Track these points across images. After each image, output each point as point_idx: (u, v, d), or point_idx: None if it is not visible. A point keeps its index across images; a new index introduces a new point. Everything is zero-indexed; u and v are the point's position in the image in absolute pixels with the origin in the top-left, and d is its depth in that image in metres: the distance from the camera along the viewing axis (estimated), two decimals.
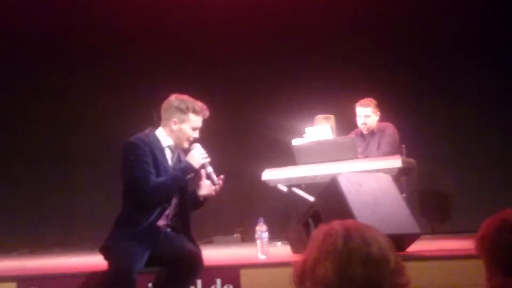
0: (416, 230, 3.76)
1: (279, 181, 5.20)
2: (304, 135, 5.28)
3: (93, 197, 7.06)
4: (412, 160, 5.14)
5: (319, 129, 5.33)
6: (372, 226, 1.53)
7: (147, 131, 3.36)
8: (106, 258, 3.17)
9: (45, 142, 7.34)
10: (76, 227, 7.09)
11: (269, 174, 5.21)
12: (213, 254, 4.64)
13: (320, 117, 5.69)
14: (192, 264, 3.09)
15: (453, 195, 6.93)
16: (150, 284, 3.27)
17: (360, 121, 5.48)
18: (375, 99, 5.55)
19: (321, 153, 5.00)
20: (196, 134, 3.32)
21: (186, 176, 3.24)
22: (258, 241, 3.91)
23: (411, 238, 3.75)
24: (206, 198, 3.37)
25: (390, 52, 7.01)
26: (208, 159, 3.30)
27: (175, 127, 3.28)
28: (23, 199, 7.10)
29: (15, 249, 6.61)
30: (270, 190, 5.38)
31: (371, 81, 6.59)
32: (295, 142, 5.18)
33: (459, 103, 6.90)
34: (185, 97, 3.33)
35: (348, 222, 1.50)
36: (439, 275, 3.34)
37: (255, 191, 6.50)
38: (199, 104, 3.31)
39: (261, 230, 3.89)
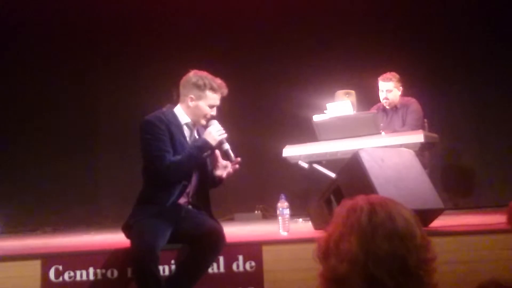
0: (439, 205, 3.71)
1: (300, 157, 5.16)
2: (325, 111, 5.23)
3: (117, 175, 7.11)
4: (434, 135, 5.07)
5: (340, 105, 5.28)
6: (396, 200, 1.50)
7: (165, 108, 3.34)
8: (128, 236, 3.18)
9: (70, 123, 7.41)
10: (99, 205, 7.16)
11: (290, 151, 5.18)
12: (234, 231, 4.65)
13: (340, 93, 5.64)
14: (214, 241, 3.09)
15: (476, 170, 6.86)
16: (173, 261, 3.28)
17: (382, 95, 5.42)
18: (397, 72, 5.48)
19: (342, 128, 4.95)
20: (213, 112, 3.29)
21: (203, 154, 3.22)
22: (279, 218, 3.90)
23: (434, 213, 3.70)
24: (222, 178, 3.34)
25: (411, 26, 6.90)
26: (225, 135, 3.27)
27: (191, 104, 3.26)
28: (46, 178, 7.18)
29: (39, 227, 6.71)
30: (291, 166, 5.36)
31: (392, 56, 6.51)
32: (316, 118, 5.13)
33: (482, 76, 6.79)
34: (203, 73, 3.30)
35: (373, 196, 1.48)
36: (463, 250, 3.31)
37: (276, 168, 6.48)
38: (217, 82, 3.27)
39: (283, 207, 3.88)
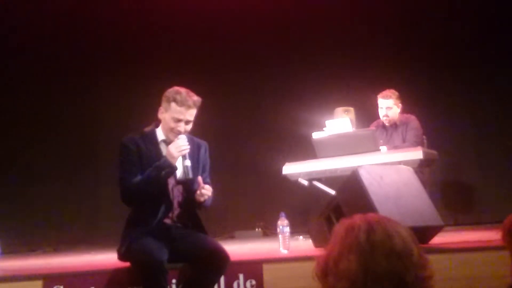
0: (439, 222, 3.72)
1: (299, 175, 5.18)
2: (324, 128, 5.26)
3: (117, 194, 7.09)
4: (434, 152, 5.10)
5: (339, 122, 5.31)
6: (394, 219, 1.53)
7: (151, 126, 3.35)
8: (126, 258, 3.16)
9: (70, 141, 7.41)
10: (100, 225, 7.15)
11: (290, 168, 5.20)
12: (235, 249, 4.65)
13: (339, 110, 5.67)
14: (218, 260, 3.04)
15: (476, 186, 6.86)
16: (174, 280, 3.27)
17: (382, 112, 5.45)
18: (395, 88, 5.52)
19: (341, 146, 4.97)
20: (180, 127, 3.17)
21: (161, 172, 3.11)
22: (280, 236, 3.90)
23: (434, 230, 3.72)
24: (201, 203, 3.21)
25: (410, 43, 6.96)
26: (186, 151, 3.14)
27: (161, 116, 3.25)
28: (47, 197, 7.18)
29: (40, 247, 6.70)
30: (291, 184, 5.37)
31: (391, 73, 6.56)
32: (315, 135, 5.16)
33: (481, 92, 6.83)
34: (178, 88, 3.23)
35: (370, 215, 1.50)
36: (462, 267, 3.31)
37: (276, 185, 6.49)
38: (183, 95, 3.17)
39: (283, 225, 3.89)
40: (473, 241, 4.03)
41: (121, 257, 3.23)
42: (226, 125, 7.33)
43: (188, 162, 3.15)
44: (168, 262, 3.06)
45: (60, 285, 3.22)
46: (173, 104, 3.16)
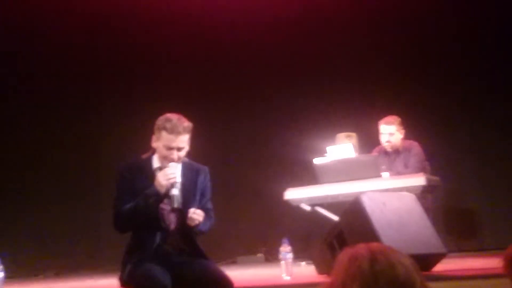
0: (442, 249, 3.72)
1: (301, 200, 5.19)
2: (326, 154, 5.28)
3: None
4: (436, 178, 5.10)
5: (341, 148, 5.32)
6: (396, 247, 1.54)
7: (149, 153, 3.35)
8: (130, 285, 3.11)
9: (71, 164, 7.44)
10: (101, 250, 7.14)
11: (292, 194, 5.21)
12: (237, 274, 4.63)
13: (342, 135, 5.69)
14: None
15: (479, 212, 6.84)
16: None
17: (384, 139, 5.46)
18: (397, 116, 5.55)
19: (343, 171, 4.99)
20: (173, 155, 3.14)
21: (149, 201, 3.08)
22: (282, 262, 3.91)
23: (437, 257, 3.71)
24: (192, 227, 3.14)
25: (411, 69, 7.01)
26: (174, 180, 3.10)
27: (154, 145, 3.24)
28: (48, 222, 7.19)
29: (42, 271, 6.68)
30: (293, 209, 5.38)
31: (393, 99, 6.60)
32: (317, 161, 5.17)
33: (483, 117, 6.85)
34: (169, 115, 3.20)
35: (373, 245, 1.51)
36: None
37: (278, 211, 6.49)
38: (173, 122, 3.13)
39: (285, 251, 3.89)
40: (476, 268, 4.01)
41: (124, 283, 3.22)
42: (229, 150, 7.35)
43: (175, 191, 3.11)
44: None
45: None
46: (163, 133, 3.13)
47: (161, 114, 3.25)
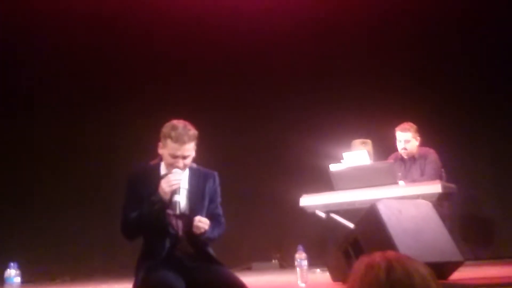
0: (458, 257, 3.69)
1: (317, 207, 5.18)
2: (341, 160, 5.26)
3: None
4: (452, 185, 5.06)
5: (356, 154, 5.31)
6: (413, 255, 1.53)
7: (157, 159, 3.36)
8: None
9: (87, 171, 7.50)
10: (117, 254, 7.17)
11: (307, 200, 5.20)
12: (252, 281, 4.62)
13: (357, 142, 5.68)
14: None
15: (496, 220, 6.77)
16: None
17: (400, 146, 5.45)
18: (414, 122, 5.52)
19: (359, 178, 4.97)
20: (178, 163, 3.14)
21: (153, 208, 3.08)
22: (297, 269, 3.90)
23: (453, 266, 3.68)
24: (198, 235, 3.13)
25: (428, 76, 6.98)
26: (177, 186, 3.09)
27: (160, 152, 3.23)
28: (64, 228, 7.24)
29: (58, 276, 6.73)
30: (308, 215, 5.36)
31: (409, 105, 6.56)
32: (333, 167, 5.16)
33: (501, 125, 6.80)
34: (175, 122, 3.20)
35: (389, 253, 1.50)
36: None
37: (292, 217, 6.48)
38: (178, 131, 3.13)
39: (301, 258, 3.88)
40: (493, 276, 3.97)
41: None
42: (244, 156, 7.37)
43: (178, 197, 3.10)
44: None
45: None
46: (168, 141, 3.13)
47: (178, 119, 3.25)
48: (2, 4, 7.62)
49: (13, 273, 3.47)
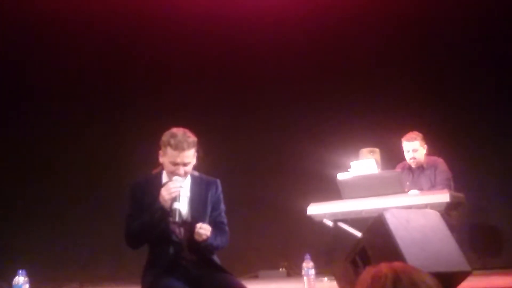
0: (466, 268, 3.67)
1: (324, 215, 5.18)
2: (349, 169, 5.27)
3: None
4: (461, 195, 5.06)
5: (364, 163, 5.31)
6: (420, 265, 1.54)
7: (159, 168, 3.37)
8: None
9: (95, 179, 7.53)
10: (124, 261, 7.18)
11: (315, 209, 5.20)
12: None
13: (365, 151, 5.68)
14: None
15: (505, 229, 6.74)
16: None
17: (408, 156, 5.45)
18: (421, 131, 5.52)
19: (367, 187, 4.97)
20: (179, 171, 3.15)
21: (154, 216, 3.10)
22: (305, 278, 3.90)
23: (461, 276, 3.66)
24: (200, 242, 3.14)
25: (434, 84, 6.98)
26: (176, 194, 3.09)
27: (161, 160, 3.25)
28: (72, 235, 7.27)
29: (66, 283, 6.75)
30: (315, 224, 5.36)
31: (416, 114, 6.57)
32: (340, 176, 5.17)
33: (507, 132, 6.77)
34: (174, 130, 3.21)
35: (396, 264, 1.51)
36: None
37: (300, 225, 6.47)
38: (178, 138, 3.15)
39: (308, 267, 3.89)
40: (501, 286, 3.95)
41: None
42: (251, 164, 7.38)
43: (177, 205, 3.09)
44: None
45: None
46: (168, 149, 3.15)
47: (184, 127, 3.27)
48: (7, 5, 7.70)
49: (21, 280, 3.49)
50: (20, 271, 3.52)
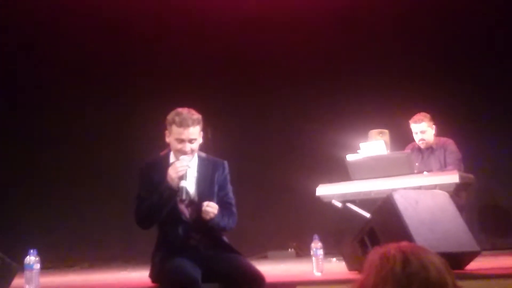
0: (475, 248, 3.67)
1: (333, 196, 5.18)
2: (358, 150, 5.26)
3: None
4: (470, 175, 5.03)
5: (373, 144, 5.30)
6: (429, 246, 1.53)
7: (167, 149, 3.39)
8: (160, 280, 3.17)
9: (106, 159, 7.56)
10: (134, 242, 7.24)
11: (323, 190, 5.20)
12: (268, 270, 4.65)
13: (374, 132, 5.66)
14: (254, 283, 3.00)
15: None
16: None
17: (417, 137, 5.43)
18: (431, 112, 5.49)
19: (376, 168, 4.96)
20: (185, 147, 3.19)
21: (163, 195, 3.14)
22: (313, 258, 3.91)
23: (470, 256, 3.67)
24: (207, 221, 3.17)
25: (444, 64, 6.92)
26: (183, 172, 3.14)
27: (167, 140, 3.28)
28: (83, 216, 7.33)
29: (77, 263, 6.83)
30: (324, 205, 5.37)
31: (425, 95, 6.52)
32: (350, 157, 5.16)
33: None
34: (179, 109, 3.25)
35: (404, 245, 1.50)
36: None
37: (308, 206, 6.49)
38: (182, 115, 3.19)
39: (316, 247, 3.90)
40: (510, 267, 3.95)
41: (155, 279, 3.27)
42: (261, 146, 7.39)
43: (184, 183, 3.14)
44: (202, 282, 3.07)
45: None
46: (173, 127, 3.20)
47: (193, 108, 3.29)
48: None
49: (33, 260, 3.53)
50: (31, 250, 3.56)
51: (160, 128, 3.37)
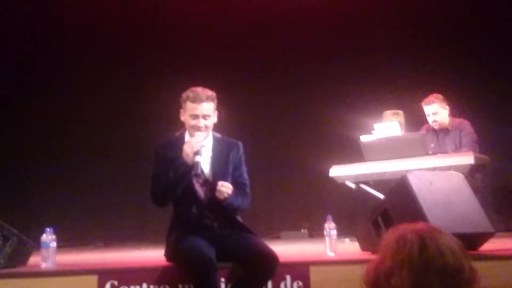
0: (489, 229, 3.67)
1: (347, 177, 5.18)
2: (372, 131, 5.24)
3: None
4: (485, 157, 5.01)
5: (387, 125, 5.28)
6: (443, 227, 1.52)
7: (182, 129, 3.42)
8: (175, 259, 3.21)
9: (120, 140, 7.60)
10: (149, 221, 7.31)
11: (337, 171, 5.21)
12: (282, 250, 4.67)
13: (388, 113, 5.64)
14: (269, 264, 3.03)
15: None
16: (223, 279, 3.31)
17: (430, 119, 5.40)
18: (445, 94, 5.44)
19: (390, 149, 4.95)
20: (199, 123, 3.24)
21: (178, 172, 3.17)
22: (326, 238, 3.93)
23: (484, 237, 3.66)
24: (221, 201, 3.21)
25: (459, 46, 6.85)
26: (197, 148, 3.18)
27: (182, 118, 3.33)
28: (98, 195, 7.40)
29: (92, 241, 6.91)
30: (337, 186, 5.38)
31: (441, 76, 6.47)
32: (364, 138, 5.15)
33: None
34: (193, 87, 3.30)
35: (421, 227, 1.49)
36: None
37: (322, 187, 6.50)
38: (196, 92, 3.24)
39: (330, 228, 3.91)
40: None
41: (170, 259, 3.31)
42: (275, 126, 7.39)
43: (199, 158, 3.18)
44: (218, 261, 3.08)
45: (114, 280, 3.33)
46: (188, 103, 3.25)
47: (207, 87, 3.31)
48: None
49: (49, 238, 3.57)
50: (48, 229, 3.60)
51: (176, 108, 3.39)
